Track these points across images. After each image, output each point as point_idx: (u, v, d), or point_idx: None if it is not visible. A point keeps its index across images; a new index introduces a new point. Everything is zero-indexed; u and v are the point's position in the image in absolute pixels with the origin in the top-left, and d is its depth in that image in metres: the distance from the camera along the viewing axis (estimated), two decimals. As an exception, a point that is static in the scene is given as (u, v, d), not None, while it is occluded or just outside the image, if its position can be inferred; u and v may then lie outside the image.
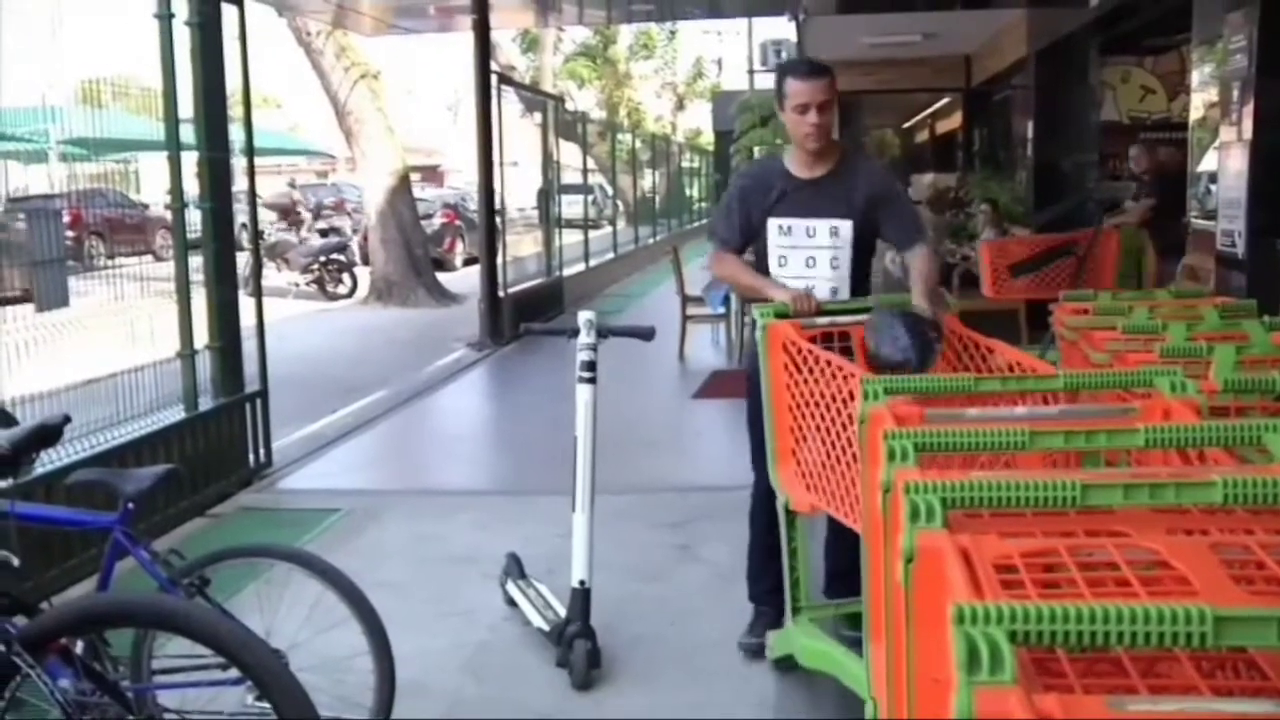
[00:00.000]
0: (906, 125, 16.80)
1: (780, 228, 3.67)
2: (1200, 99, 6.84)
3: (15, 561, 2.54)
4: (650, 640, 4.03)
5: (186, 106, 5.70)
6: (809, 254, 3.66)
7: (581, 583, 3.80)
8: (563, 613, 3.89)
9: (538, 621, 3.98)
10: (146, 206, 8.08)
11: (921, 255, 3.68)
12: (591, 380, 3.92)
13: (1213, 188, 6.74)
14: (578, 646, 3.69)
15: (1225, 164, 6.15)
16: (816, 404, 3.13)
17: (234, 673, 2.49)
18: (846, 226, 3.64)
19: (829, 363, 3.10)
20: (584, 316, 3.98)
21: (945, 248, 10.87)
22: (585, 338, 3.94)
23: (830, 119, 3.62)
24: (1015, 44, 11.62)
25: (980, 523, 1.55)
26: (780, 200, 3.67)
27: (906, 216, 3.79)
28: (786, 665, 3.57)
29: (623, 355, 5.68)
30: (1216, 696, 1.22)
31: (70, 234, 5.90)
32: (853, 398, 2.71)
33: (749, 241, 3.78)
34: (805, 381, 3.20)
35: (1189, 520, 1.61)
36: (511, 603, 4.26)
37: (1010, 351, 3.17)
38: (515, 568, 4.39)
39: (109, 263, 5.88)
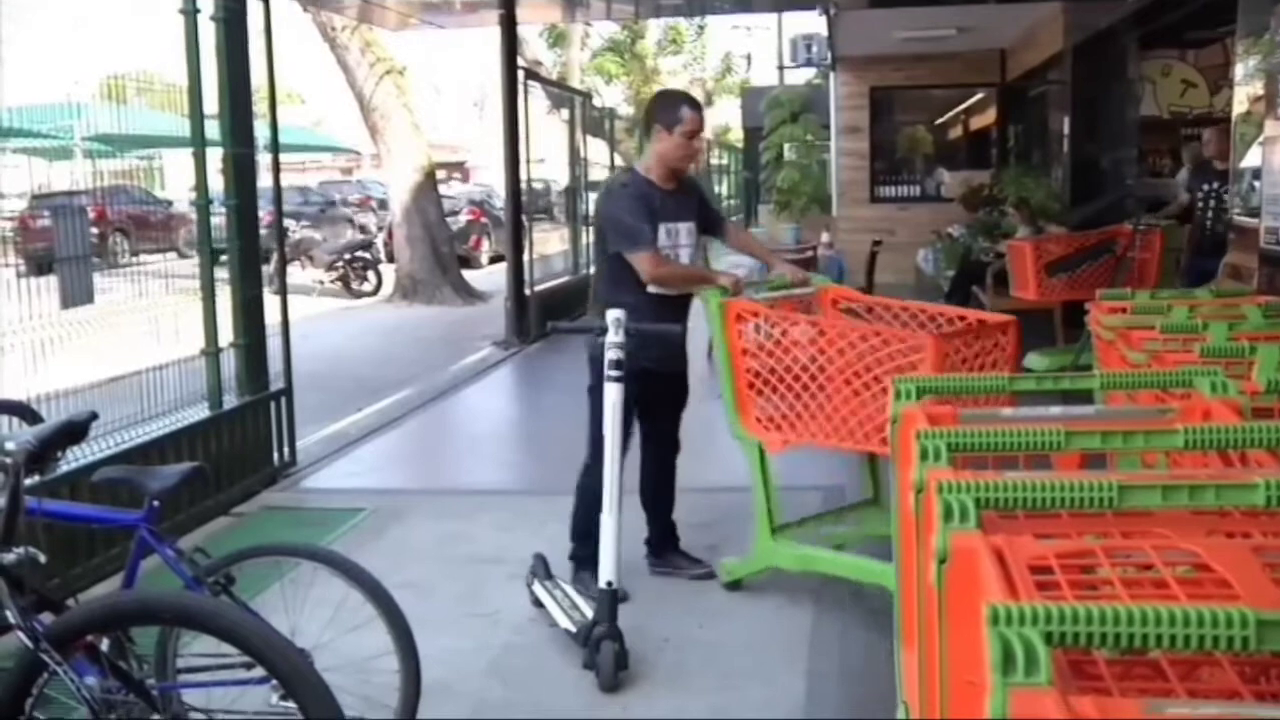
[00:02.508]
0: (939, 121, 16.67)
1: (666, 231, 4.40)
2: (1244, 92, 6.76)
3: (42, 558, 2.57)
4: (679, 642, 4.03)
5: (211, 102, 5.75)
6: (679, 250, 4.45)
7: (609, 584, 3.82)
8: (590, 614, 3.90)
9: (564, 623, 3.99)
10: (170, 203, 8.15)
11: (735, 225, 5.04)
12: (620, 379, 3.94)
13: (1256, 184, 6.67)
14: (605, 648, 3.70)
15: (1270, 159, 6.07)
16: (784, 353, 4.10)
17: (259, 672, 2.50)
18: (694, 226, 4.53)
19: (787, 318, 4.19)
20: (612, 315, 4.01)
21: (979, 246, 10.80)
22: (614, 336, 3.96)
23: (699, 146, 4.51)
24: (1052, 38, 11.53)
25: (1015, 524, 1.55)
26: (661, 209, 4.38)
27: (714, 211, 4.85)
28: (736, 587, 4.43)
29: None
30: (1260, 703, 1.21)
31: (94, 231, 5.96)
32: (823, 337, 3.99)
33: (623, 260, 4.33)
34: (770, 341, 4.14)
35: (1229, 523, 1.60)
36: (538, 603, 4.28)
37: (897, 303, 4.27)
38: (542, 568, 4.41)
39: (133, 260, 5.93)
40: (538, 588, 4.31)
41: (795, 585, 4.51)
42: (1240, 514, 1.56)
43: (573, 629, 3.92)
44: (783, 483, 4.50)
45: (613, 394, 3.94)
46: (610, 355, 3.97)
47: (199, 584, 3.00)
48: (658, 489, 4.68)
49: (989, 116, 15.69)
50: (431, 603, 4.35)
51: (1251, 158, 6.63)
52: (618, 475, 3.89)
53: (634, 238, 4.29)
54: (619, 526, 3.87)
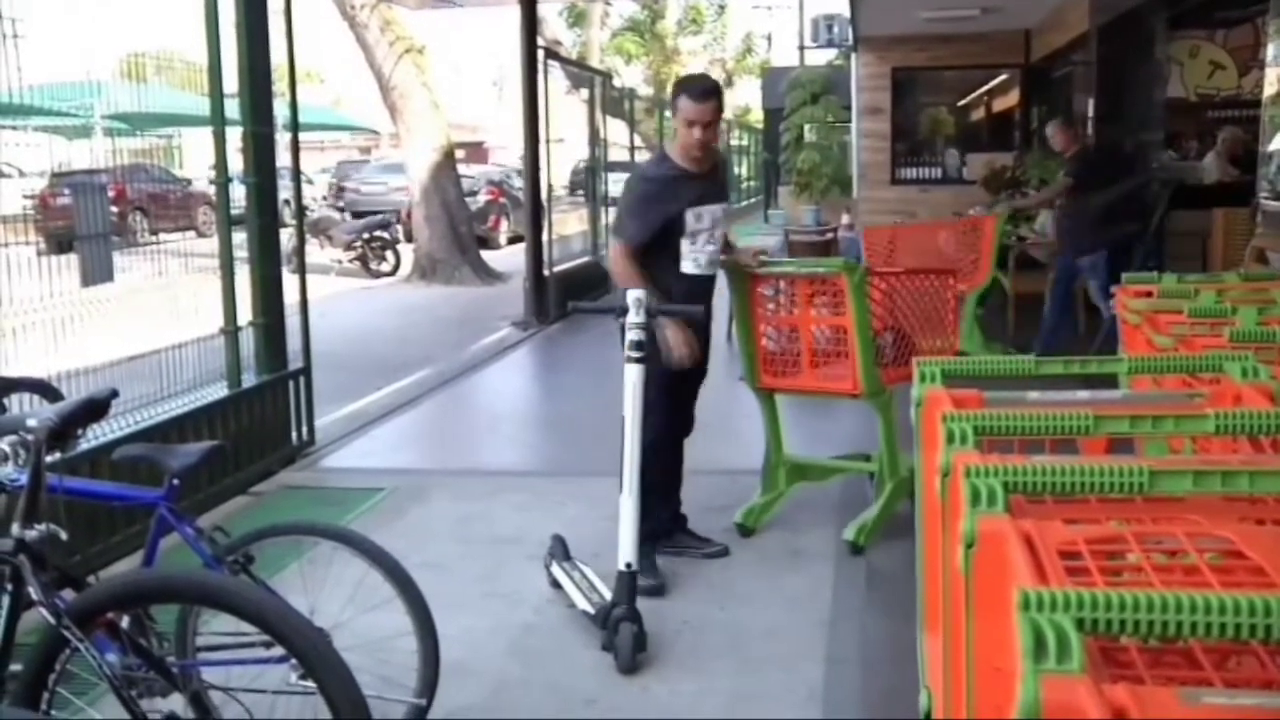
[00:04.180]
0: (962, 103, 16.54)
1: (695, 215, 4.45)
2: (1275, 74, 6.69)
3: (63, 535, 2.58)
4: (699, 625, 4.03)
5: (231, 81, 5.75)
6: (710, 231, 4.51)
7: (628, 565, 3.82)
8: (608, 596, 3.90)
9: (582, 604, 3.99)
10: (190, 182, 8.16)
11: None
12: (641, 360, 3.95)
13: (1286, 167, 6.60)
14: (623, 630, 3.70)
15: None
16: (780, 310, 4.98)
17: (278, 650, 2.51)
18: (722, 209, 4.59)
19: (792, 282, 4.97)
20: (633, 295, 4.01)
21: (1002, 229, 10.72)
22: (634, 317, 3.96)
23: (713, 134, 4.46)
24: (1078, 18, 11.41)
25: (1043, 508, 1.53)
26: (686, 193, 4.43)
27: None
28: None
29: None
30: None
31: (114, 209, 5.97)
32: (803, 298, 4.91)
33: (652, 240, 4.39)
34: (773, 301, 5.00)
35: (1262, 509, 1.58)
36: (556, 585, 4.28)
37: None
38: (560, 549, 4.41)
39: (152, 238, 5.94)
40: (556, 569, 4.32)
41: (816, 570, 4.51)
42: (1274, 500, 1.54)
43: (591, 610, 3.92)
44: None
45: (633, 375, 3.94)
46: (631, 336, 3.97)
47: (218, 563, 3.00)
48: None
49: (1012, 98, 15.55)
50: (450, 583, 4.36)
51: (1281, 141, 6.56)
52: (638, 456, 3.89)
53: (621, 229, 4.47)
54: (638, 509, 3.86)
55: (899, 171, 15.24)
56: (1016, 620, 1.01)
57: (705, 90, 4.38)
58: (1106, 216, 8.35)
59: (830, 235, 12.51)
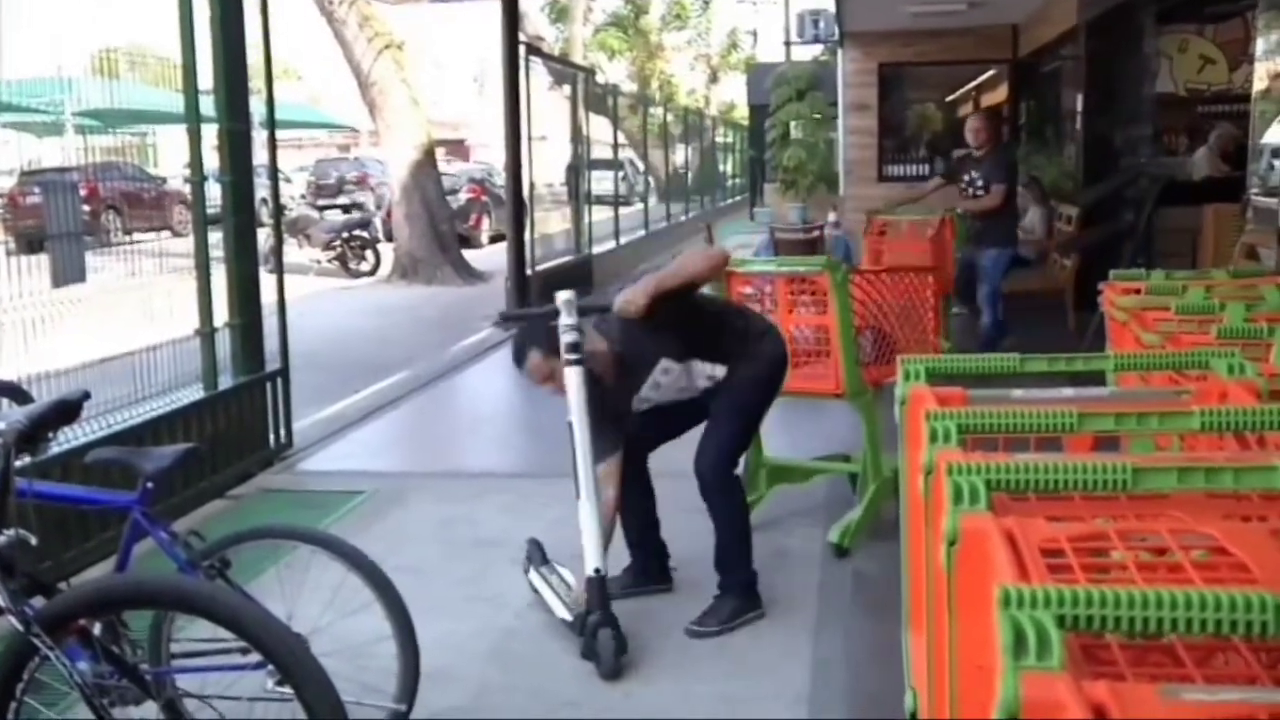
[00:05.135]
0: (950, 99, 16.59)
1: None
2: (1265, 69, 6.73)
3: (33, 541, 2.57)
4: (683, 629, 4.03)
5: (206, 77, 5.73)
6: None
7: (597, 570, 3.81)
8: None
9: (560, 612, 3.98)
10: (164, 180, 8.13)
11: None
12: (579, 361, 3.88)
13: (1276, 163, 6.64)
14: (603, 636, 3.70)
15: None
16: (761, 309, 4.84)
17: (254, 657, 2.50)
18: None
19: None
20: (563, 296, 3.91)
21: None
22: (567, 318, 3.89)
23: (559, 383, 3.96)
24: (1065, 12, 11.45)
25: (1026, 506, 1.54)
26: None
27: None
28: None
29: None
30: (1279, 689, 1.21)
31: (86, 208, 5.94)
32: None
33: None
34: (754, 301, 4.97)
35: (1246, 507, 1.59)
36: (536, 591, 4.27)
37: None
38: (537, 554, 4.40)
39: (126, 238, 5.91)
40: (533, 575, 4.30)
41: (800, 573, 4.52)
42: (1258, 497, 1.55)
43: (569, 618, 3.90)
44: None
45: (573, 377, 3.87)
46: (566, 339, 3.86)
47: (194, 567, 2.99)
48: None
49: (1000, 93, 15.60)
50: (431, 587, 4.35)
51: (1272, 135, 6.60)
52: (590, 458, 3.87)
53: None
54: (597, 512, 3.87)
55: (886, 168, 15.28)
56: (997, 617, 1.02)
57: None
58: (1015, 215, 8.71)
59: (816, 233, 12.54)
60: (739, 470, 4.19)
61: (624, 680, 3.68)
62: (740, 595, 4.09)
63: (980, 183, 8.34)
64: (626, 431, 4.16)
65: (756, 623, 4.07)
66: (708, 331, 4.04)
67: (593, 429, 3.92)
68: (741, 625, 4.03)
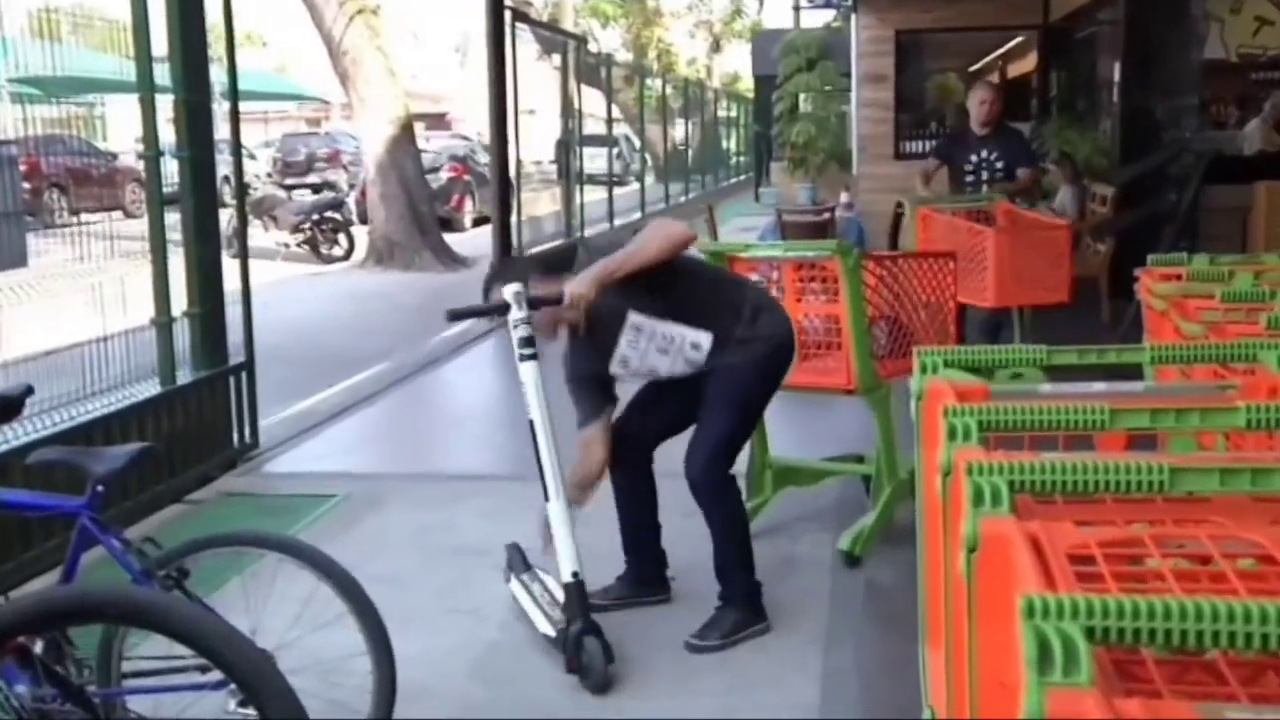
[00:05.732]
0: (973, 68, 16.59)
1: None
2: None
3: (-30, 549, 2.56)
4: (682, 641, 4.03)
5: (160, 42, 5.70)
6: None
7: (575, 575, 3.81)
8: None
9: (543, 626, 3.94)
10: (115, 156, 8.10)
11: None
12: (534, 356, 3.90)
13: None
14: (588, 645, 3.69)
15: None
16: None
17: (215, 675, 2.50)
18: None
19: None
20: (511, 289, 3.90)
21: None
22: (517, 313, 3.89)
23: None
24: (1102, -28, 11.47)
25: (1052, 509, 1.54)
26: None
27: None
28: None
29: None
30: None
31: (26, 185, 5.91)
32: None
33: None
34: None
35: (1296, 511, 1.59)
36: (518, 602, 4.26)
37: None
38: (519, 560, 4.38)
39: (72, 218, 5.88)
40: (514, 584, 4.28)
41: (809, 582, 4.52)
42: (1309, 501, 1.54)
43: (552, 633, 3.87)
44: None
45: (529, 373, 3.90)
46: (518, 334, 3.88)
47: (148, 578, 2.98)
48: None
49: (1029, 62, 15.60)
50: (409, 597, 4.35)
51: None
52: (555, 457, 3.88)
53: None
54: (569, 510, 3.87)
55: (903, 145, 15.27)
56: (1020, 629, 1.01)
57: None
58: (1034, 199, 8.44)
59: (827, 215, 12.54)
60: (742, 470, 4.18)
61: (618, 695, 3.68)
62: (743, 607, 4.09)
63: (1000, 164, 7.99)
64: (612, 397, 4.18)
65: (763, 636, 4.07)
66: (689, 293, 4.00)
67: (573, 392, 4.04)
68: (745, 639, 4.03)
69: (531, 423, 3.91)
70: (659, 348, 4.01)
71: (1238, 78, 11.72)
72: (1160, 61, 10.41)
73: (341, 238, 17.06)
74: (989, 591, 1.34)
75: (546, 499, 3.89)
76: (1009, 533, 1.30)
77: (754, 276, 4.99)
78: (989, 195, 7.87)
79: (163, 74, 5.75)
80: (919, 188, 8.44)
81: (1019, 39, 15.54)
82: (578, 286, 3.84)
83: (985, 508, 1.37)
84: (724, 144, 33.28)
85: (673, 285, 3.98)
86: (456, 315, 4.30)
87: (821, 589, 4.45)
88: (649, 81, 24.58)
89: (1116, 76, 11.01)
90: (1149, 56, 10.47)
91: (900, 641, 3.61)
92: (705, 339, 3.96)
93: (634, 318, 3.96)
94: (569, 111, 14.59)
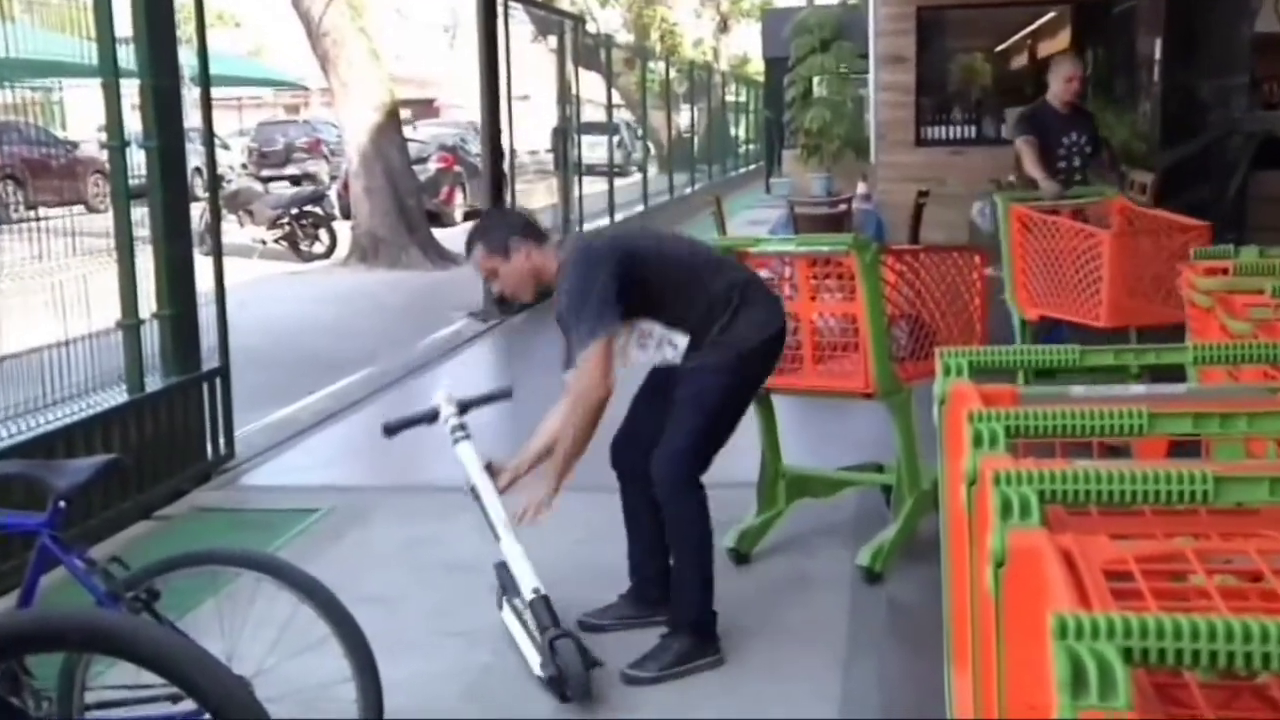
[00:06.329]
0: (1000, 48, 16.60)
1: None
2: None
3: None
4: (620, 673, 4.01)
5: (124, 22, 5.70)
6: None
7: (536, 590, 3.89)
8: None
9: (533, 662, 3.90)
10: (75, 145, 8.10)
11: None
12: (467, 437, 4.31)
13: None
14: (562, 648, 3.72)
15: None
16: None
17: (187, 705, 2.50)
18: None
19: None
20: (441, 394, 4.41)
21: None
22: (454, 420, 4.36)
23: (501, 285, 4.27)
24: (1140, -57, 11.47)
25: (1087, 521, 1.53)
26: None
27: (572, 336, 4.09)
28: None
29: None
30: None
31: (-24, 177, 5.91)
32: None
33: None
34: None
35: (1353, 525, 1.58)
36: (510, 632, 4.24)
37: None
38: (511, 582, 4.36)
39: (29, 213, 5.88)
40: (506, 612, 4.23)
41: (826, 601, 4.52)
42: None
43: (542, 675, 3.82)
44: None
45: (466, 451, 4.27)
46: (449, 425, 4.34)
47: (115, 600, 2.98)
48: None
49: (1061, 40, 15.60)
50: (396, 619, 4.36)
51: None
52: (500, 509, 4.13)
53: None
54: (517, 538, 4.05)
55: (925, 131, 15.26)
56: (1052, 650, 1.01)
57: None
58: None
59: (843, 207, 12.54)
60: (752, 479, 4.17)
61: (619, 711, 3.69)
62: (691, 636, 4.03)
63: (1090, 149, 7.67)
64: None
65: (776, 658, 4.06)
66: (662, 294, 4.06)
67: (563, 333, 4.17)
68: (689, 673, 3.97)
69: (474, 487, 4.18)
70: (638, 343, 4.13)
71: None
72: (1206, 37, 10.38)
73: (322, 233, 17.08)
74: (1018, 610, 1.33)
75: (497, 539, 4.08)
76: (1039, 546, 1.29)
77: (764, 273, 4.99)
78: (1099, 189, 7.29)
79: (127, 57, 5.76)
80: (1029, 171, 7.47)
81: (1050, 15, 15.53)
82: (544, 500, 4.04)
83: (1014, 520, 1.36)
84: (732, 131, 33.30)
85: (646, 284, 4.03)
86: (391, 430, 4.59)
87: (839, 608, 4.45)
88: (652, 64, 24.61)
89: (1157, 54, 11.00)
90: (1194, 32, 10.45)
91: (924, 663, 3.60)
92: (681, 339, 4.04)
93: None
94: (566, 97, 14.59)
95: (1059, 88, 7.69)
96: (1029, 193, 7.18)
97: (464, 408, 4.40)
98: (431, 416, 4.43)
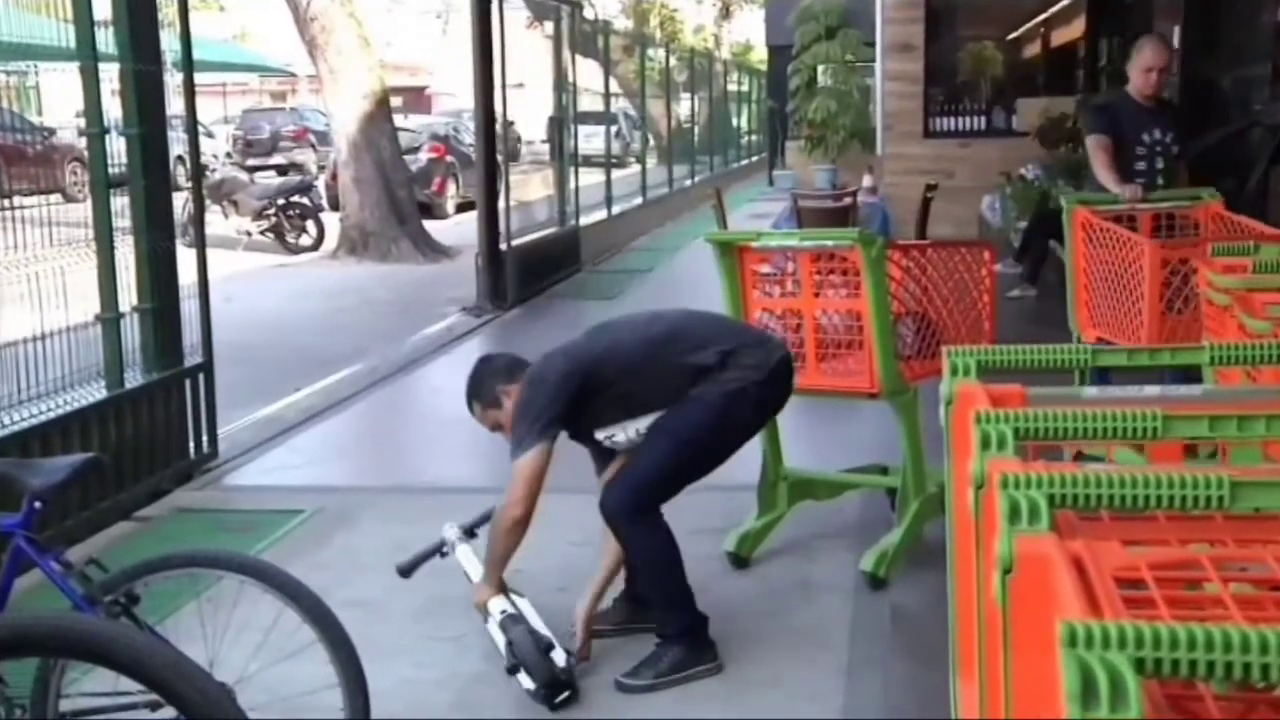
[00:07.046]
0: (1012, 36, 16.61)
1: None
2: None
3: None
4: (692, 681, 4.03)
5: (103, 5, 5.69)
6: None
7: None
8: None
9: (521, 674, 3.89)
10: (52, 132, 8.08)
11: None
12: (473, 534, 4.44)
13: None
14: (515, 635, 3.83)
15: None
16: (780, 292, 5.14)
17: (167, 712, 2.50)
18: None
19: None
20: (446, 528, 4.44)
21: (1060, 190, 10.77)
22: (463, 548, 4.40)
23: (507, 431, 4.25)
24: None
25: (1098, 526, 1.53)
26: None
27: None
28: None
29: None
30: None
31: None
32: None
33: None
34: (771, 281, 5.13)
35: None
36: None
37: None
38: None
39: (3, 202, 5.86)
40: (492, 626, 4.22)
41: (829, 607, 4.52)
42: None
43: (531, 686, 3.83)
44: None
45: (465, 553, 4.39)
46: (466, 566, 4.35)
47: (92, 604, 2.98)
48: None
49: (1075, 29, 15.61)
50: (384, 624, 4.37)
51: None
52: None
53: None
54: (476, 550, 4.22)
55: (933, 122, 15.26)
56: (1061, 659, 1.01)
57: None
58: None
59: (848, 200, 12.53)
60: (752, 482, 4.15)
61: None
62: (683, 645, 4.03)
63: (1175, 147, 6.83)
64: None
65: (776, 667, 4.06)
66: (632, 396, 4.09)
67: None
68: (687, 680, 3.98)
69: (467, 573, 4.31)
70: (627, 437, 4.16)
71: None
72: (1228, 25, 10.35)
73: (310, 225, 17.08)
74: (1026, 617, 1.33)
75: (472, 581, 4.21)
76: (1048, 552, 1.29)
77: (766, 268, 4.99)
78: (1194, 191, 6.34)
79: (107, 40, 5.76)
80: (1098, 177, 6.65)
81: (1065, 2, 15.53)
82: (480, 595, 4.13)
83: (1022, 525, 1.36)
84: (734, 121, 33.27)
85: (609, 386, 4.09)
86: (405, 571, 4.47)
87: (842, 615, 4.45)
88: (651, 52, 24.57)
89: (1176, 42, 10.97)
90: (1215, 20, 10.42)
91: (929, 672, 3.60)
92: (651, 418, 4.06)
93: (599, 434, 4.18)
94: (562, 85, 14.58)
95: (1137, 78, 6.83)
96: (1102, 195, 6.40)
97: (469, 531, 4.46)
98: (441, 551, 4.44)
